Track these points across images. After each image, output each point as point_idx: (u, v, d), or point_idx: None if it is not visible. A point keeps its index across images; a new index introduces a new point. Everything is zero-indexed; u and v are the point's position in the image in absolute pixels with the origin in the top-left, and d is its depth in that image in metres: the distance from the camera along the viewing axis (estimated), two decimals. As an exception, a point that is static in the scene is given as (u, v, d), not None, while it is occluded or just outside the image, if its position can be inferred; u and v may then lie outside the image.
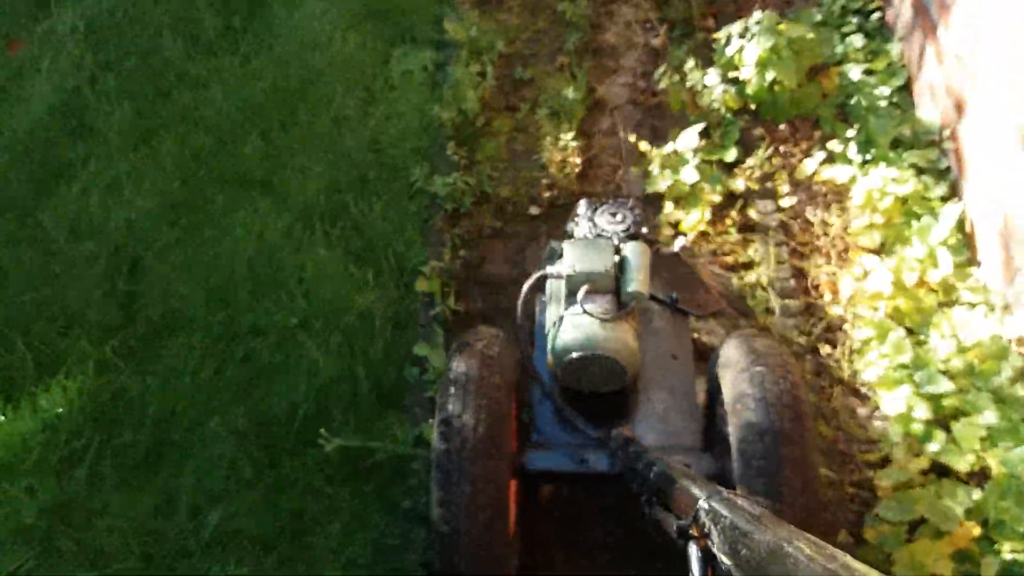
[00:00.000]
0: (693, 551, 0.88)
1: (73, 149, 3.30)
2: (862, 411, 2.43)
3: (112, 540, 2.28)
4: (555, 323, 2.01)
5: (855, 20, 3.36)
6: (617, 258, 2.02)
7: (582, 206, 2.24)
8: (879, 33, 3.33)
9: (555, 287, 2.11)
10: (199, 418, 2.51)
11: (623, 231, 2.12)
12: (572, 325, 1.95)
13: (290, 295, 2.76)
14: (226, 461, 2.42)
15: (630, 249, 2.04)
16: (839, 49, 3.26)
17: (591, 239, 2.10)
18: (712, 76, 3.16)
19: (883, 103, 3.05)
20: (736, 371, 1.83)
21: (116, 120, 3.37)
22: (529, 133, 3.27)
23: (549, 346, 2.01)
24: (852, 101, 3.11)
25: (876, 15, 3.36)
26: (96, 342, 2.69)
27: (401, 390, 2.58)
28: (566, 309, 2.01)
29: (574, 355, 1.93)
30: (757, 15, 3.12)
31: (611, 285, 1.99)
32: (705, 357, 2.18)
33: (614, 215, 2.17)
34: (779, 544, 0.65)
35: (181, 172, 3.18)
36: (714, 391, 1.98)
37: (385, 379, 2.59)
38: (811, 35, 3.09)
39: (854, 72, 3.15)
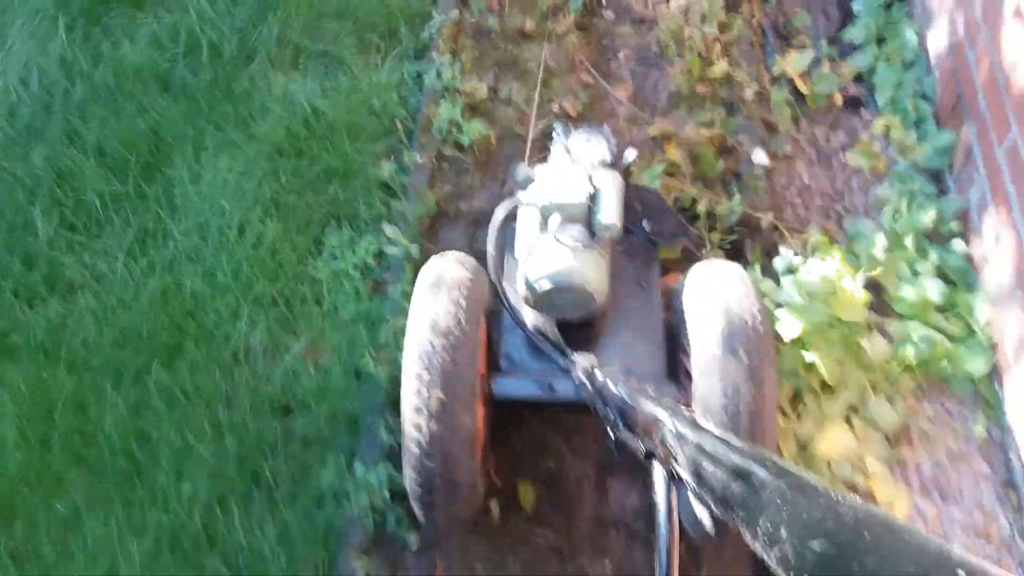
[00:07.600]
0: (658, 471, 0.92)
1: None
2: None
3: None
4: (527, 251, 2.00)
5: (934, 253, 2.49)
6: (591, 189, 1.97)
7: (558, 127, 2.24)
8: (963, 277, 2.47)
9: (527, 214, 2.10)
10: None
11: (598, 160, 2.09)
12: (545, 254, 1.94)
13: None
14: None
15: (604, 179, 2.00)
16: (907, 295, 2.42)
17: (564, 167, 2.05)
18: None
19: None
20: (700, 299, 1.87)
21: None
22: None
23: (520, 274, 1.98)
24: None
25: (960, 246, 2.50)
26: None
27: None
28: (538, 237, 2.00)
29: (547, 284, 1.92)
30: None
31: (585, 215, 1.97)
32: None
33: (589, 142, 2.14)
34: (745, 464, 0.67)
35: (24, 440, 2.42)
36: (679, 318, 2.00)
37: None
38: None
39: (917, 334, 2.34)
